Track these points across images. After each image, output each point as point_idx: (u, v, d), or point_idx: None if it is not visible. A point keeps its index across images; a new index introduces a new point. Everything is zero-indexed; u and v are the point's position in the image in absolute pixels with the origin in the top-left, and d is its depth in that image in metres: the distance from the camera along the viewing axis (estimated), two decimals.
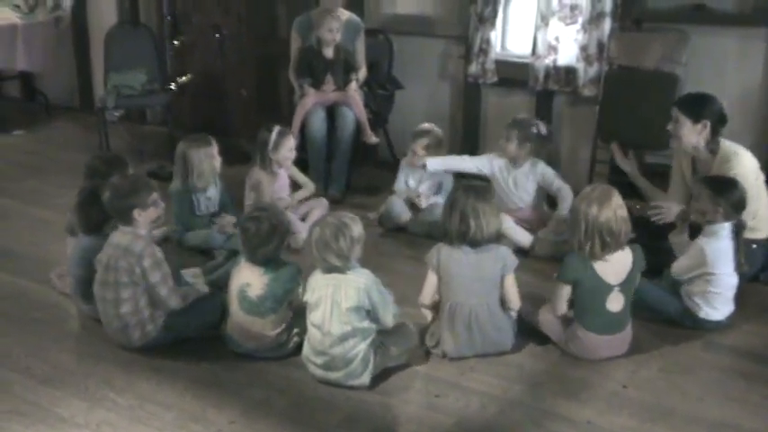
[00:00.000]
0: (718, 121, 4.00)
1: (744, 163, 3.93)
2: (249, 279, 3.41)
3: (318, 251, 3.21)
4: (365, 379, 3.24)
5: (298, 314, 3.45)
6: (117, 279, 3.40)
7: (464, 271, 3.39)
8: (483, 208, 3.37)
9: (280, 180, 4.79)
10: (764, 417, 3.11)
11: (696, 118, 3.97)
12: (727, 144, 4.00)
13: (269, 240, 3.38)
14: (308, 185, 4.95)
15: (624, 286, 3.40)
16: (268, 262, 3.41)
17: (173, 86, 6.49)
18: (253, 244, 3.40)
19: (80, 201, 3.74)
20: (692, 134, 3.99)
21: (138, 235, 3.45)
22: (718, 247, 3.61)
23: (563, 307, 3.48)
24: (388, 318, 3.29)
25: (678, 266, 3.70)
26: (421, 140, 4.83)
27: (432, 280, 3.47)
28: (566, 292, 3.44)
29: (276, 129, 4.71)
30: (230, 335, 3.48)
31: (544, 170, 4.65)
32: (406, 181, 4.96)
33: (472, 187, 3.47)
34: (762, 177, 4.02)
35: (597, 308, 3.39)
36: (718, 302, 3.67)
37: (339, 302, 3.19)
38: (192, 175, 4.47)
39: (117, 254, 3.41)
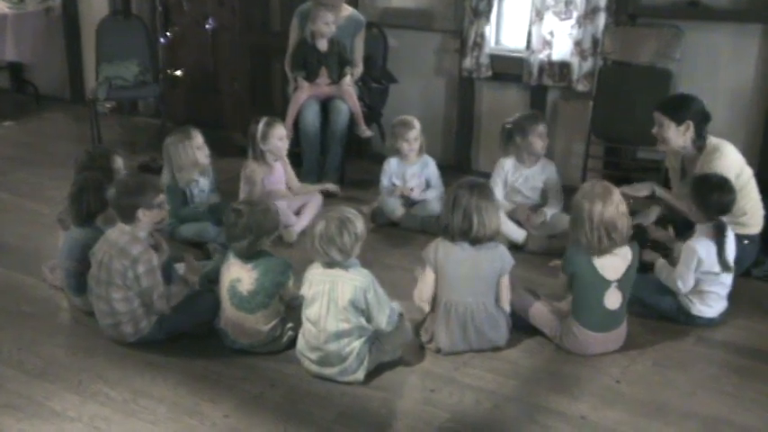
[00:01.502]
0: (702, 120, 4.00)
1: (724, 159, 3.92)
2: (239, 274, 3.40)
3: (321, 245, 3.19)
4: (359, 375, 3.24)
5: (292, 309, 3.44)
6: (109, 279, 3.39)
7: (461, 269, 3.39)
8: (486, 206, 3.37)
9: (275, 173, 4.78)
10: (757, 411, 3.13)
11: (679, 120, 3.97)
12: (713, 141, 4.00)
13: (242, 236, 3.37)
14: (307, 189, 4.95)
15: (622, 283, 3.40)
16: (256, 257, 3.40)
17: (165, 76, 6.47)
18: (228, 235, 3.43)
19: (71, 193, 3.72)
20: (678, 136, 4.00)
21: (137, 237, 3.43)
22: (706, 246, 3.61)
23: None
24: (382, 320, 3.27)
25: (681, 277, 3.62)
26: (412, 132, 4.81)
27: (430, 277, 3.46)
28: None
29: (264, 119, 4.71)
30: (224, 330, 3.48)
31: (552, 173, 4.64)
32: (392, 181, 4.93)
33: (475, 185, 3.45)
34: (749, 173, 4.01)
35: (594, 304, 3.40)
36: (712, 300, 3.69)
37: (336, 299, 3.19)
38: (174, 169, 4.46)
39: (112, 252, 3.39)
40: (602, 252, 3.35)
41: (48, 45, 7.36)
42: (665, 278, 3.71)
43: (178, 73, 6.66)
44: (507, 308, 3.51)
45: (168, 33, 6.70)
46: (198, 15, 6.65)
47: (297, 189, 4.91)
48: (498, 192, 4.52)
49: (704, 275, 3.62)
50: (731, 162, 3.94)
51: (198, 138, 4.50)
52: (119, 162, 4.10)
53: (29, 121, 7.23)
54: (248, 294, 3.37)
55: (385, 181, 4.92)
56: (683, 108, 4.01)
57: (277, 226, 3.53)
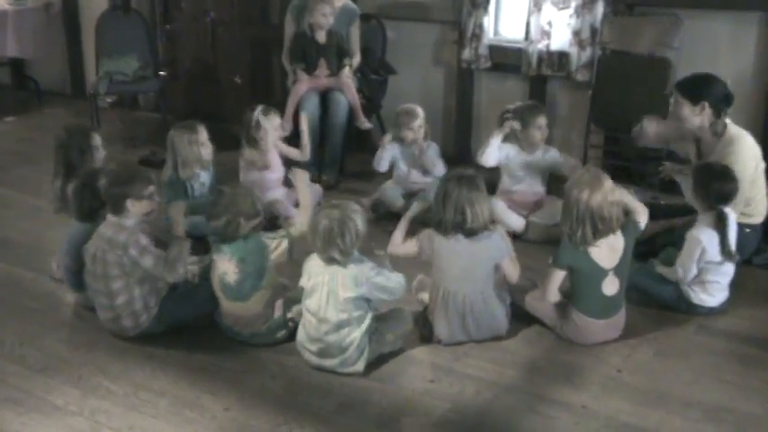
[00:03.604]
0: (722, 102, 3.94)
1: (743, 150, 3.89)
2: (223, 267, 3.42)
3: (323, 244, 3.19)
4: (360, 366, 3.24)
5: (292, 298, 3.45)
6: (106, 272, 3.39)
7: (458, 261, 3.38)
8: (476, 196, 3.36)
9: (271, 159, 4.79)
10: (759, 400, 3.12)
11: (695, 100, 3.93)
12: (733, 128, 3.96)
13: (220, 214, 3.40)
14: (300, 153, 4.91)
15: (618, 269, 3.39)
16: (233, 242, 3.41)
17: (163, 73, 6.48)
18: (208, 215, 3.48)
19: (74, 188, 3.72)
20: (692, 116, 3.96)
21: (122, 226, 3.42)
22: (709, 235, 3.60)
23: (555, 294, 3.47)
24: (396, 287, 3.29)
25: (683, 266, 3.62)
26: (416, 120, 4.80)
27: (410, 248, 3.51)
28: (558, 278, 3.44)
29: (259, 108, 4.71)
30: (226, 324, 3.49)
31: (554, 156, 4.66)
32: (397, 162, 4.94)
33: (464, 176, 3.43)
34: (762, 166, 3.99)
35: (593, 292, 3.39)
36: (714, 290, 3.68)
37: (336, 290, 3.19)
38: (178, 163, 4.46)
39: (102, 246, 3.39)
40: (586, 243, 3.33)
41: (48, 40, 7.39)
42: (665, 272, 3.72)
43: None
44: (515, 280, 3.51)
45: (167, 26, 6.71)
46: (197, 10, 6.65)
47: (296, 155, 4.90)
48: (493, 149, 4.57)
49: (707, 265, 3.61)
50: (749, 155, 3.91)
51: (203, 133, 4.49)
52: (97, 139, 4.12)
53: (30, 116, 7.25)
54: (236, 284, 3.39)
55: (385, 158, 4.94)
56: (701, 88, 3.95)
57: (257, 212, 3.50)
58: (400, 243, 3.59)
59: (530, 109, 4.64)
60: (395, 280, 3.31)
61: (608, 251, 3.37)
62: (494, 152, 4.59)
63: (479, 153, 4.64)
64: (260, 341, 3.45)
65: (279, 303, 3.45)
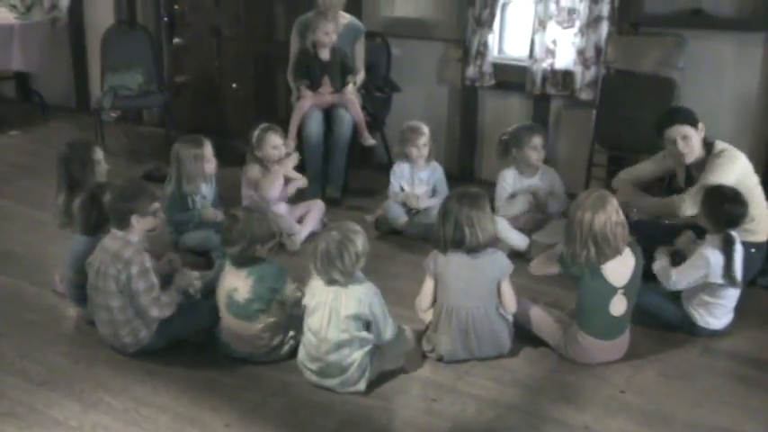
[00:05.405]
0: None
1: (730, 159, 3.92)
2: (235, 283, 3.40)
3: (323, 266, 3.18)
4: (361, 386, 3.22)
5: (293, 317, 3.43)
6: (106, 287, 3.38)
7: (461, 276, 3.38)
8: (477, 215, 3.35)
9: (273, 176, 4.79)
10: (763, 422, 3.10)
11: (695, 124, 3.97)
12: (720, 144, 4.00)
13: (236, 241, 3.38)
14: (300, 179, 4.93)
15: (628, 288, 3.38)
16: (250, 264, 3.41)
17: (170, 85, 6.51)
18: (223, 239, 3.46)
19: (81, 201, 3.72)
20: (699, 141, 3.99)
21: (129, 242, 3.42)
22: (716, 256, 3.58)
23: (538, 270, 3.67)
24: (389, 331, 3.27)
25: (681, 273, 3.61)
26: (421, 137, 4.81)
27: (429, 285, 3.47)
28: (554, 269, 3.53)
29: (260, 126, 4.72)
30: (224, 340, 3.47)
31: (555, 179, 4.67)
32: (401, 185, 4.94)
33: (466, 195, 3.42)
34: (755, 180, 3.99)
35: (600, 311, 3.38)
36: (720, 313, 3.66)
37: (338, 310, 3.17)
38: (183, 177, 4.46)
39: (106, 259, 3.39)
40: (590, 266, 3.32)
41: (54, 55, 7.41)
42: (658, 268, 3.69)
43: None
44: (512, 309, 3.49)
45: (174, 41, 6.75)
46: (203, 25, 6.66)
47: (295, 177, 4.92)
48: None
49: (710, 286, 3.60)
50: (732, 169, 3.92)
51: (208, 148, 4.49)
52: (99, 154, 4.13)
53: (35, 129, 7.27)
54: (245, 302, 3.37)
55: (395, 184, 4.91)
56: (691, 113, 4.01)
57: (273, 234, 3.50)
58: (426, 304, 3.55)
59: (525, 129, 4.65)
60: (392, 324, 3.29)
61: (618, 269, 3.36)
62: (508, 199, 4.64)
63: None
64: (260, 359, 3.44)
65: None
